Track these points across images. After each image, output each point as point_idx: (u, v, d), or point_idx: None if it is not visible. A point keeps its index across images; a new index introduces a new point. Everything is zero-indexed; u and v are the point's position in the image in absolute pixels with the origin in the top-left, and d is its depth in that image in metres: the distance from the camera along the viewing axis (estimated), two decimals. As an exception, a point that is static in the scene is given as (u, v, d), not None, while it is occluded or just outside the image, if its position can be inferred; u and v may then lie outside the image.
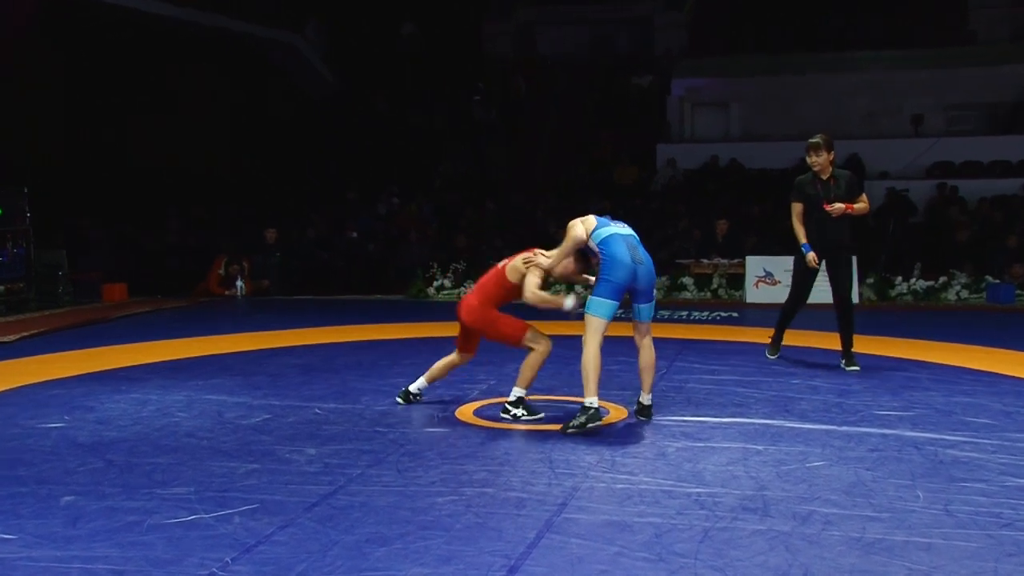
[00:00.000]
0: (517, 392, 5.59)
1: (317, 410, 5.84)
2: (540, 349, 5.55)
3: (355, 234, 15.84)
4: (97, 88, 16.41)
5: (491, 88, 21.24)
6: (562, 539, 3.52)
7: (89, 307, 12.36)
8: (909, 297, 12.64)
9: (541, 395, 6.19)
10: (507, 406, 5.60)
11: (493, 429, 5.29)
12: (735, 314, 11.33)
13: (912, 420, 5.43)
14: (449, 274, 14.10)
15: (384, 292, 14.18)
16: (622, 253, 5.25)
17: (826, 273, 7.46)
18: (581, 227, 5.41)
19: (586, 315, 5.25)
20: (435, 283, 13.98)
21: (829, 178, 7.30)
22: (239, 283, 13.81)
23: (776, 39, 19.98)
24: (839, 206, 7.17)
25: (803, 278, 7.51)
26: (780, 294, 12.54)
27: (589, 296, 5.30)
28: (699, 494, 4.05)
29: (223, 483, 4.26)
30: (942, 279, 12.70)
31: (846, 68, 18.99)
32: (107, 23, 15.76)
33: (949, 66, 18.43)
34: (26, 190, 12.15)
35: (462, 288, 13.87)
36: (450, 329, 9.89)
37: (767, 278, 12.70)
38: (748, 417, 5.52)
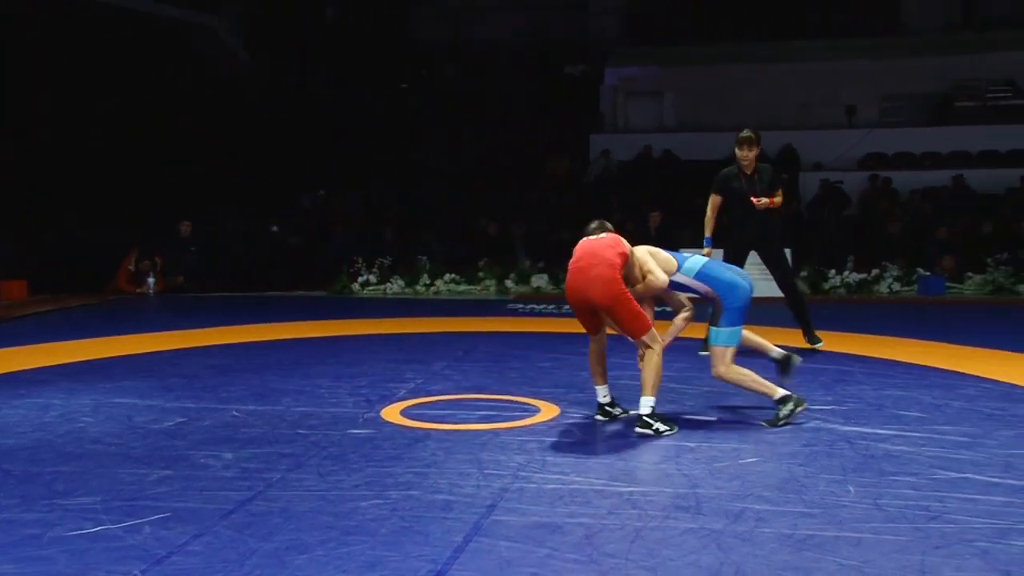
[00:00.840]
0: (649, 402, 5.13)
1: (235, 412, 5.75)
2: (658, 349, 5.18)
3: (276, 228, 15.64)
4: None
5: (420, 75, 21.12)
6: (491, 542, 3.52)
7: (-14, 306, 12.00)
8: (842, 290, 12.97)
9: (474, 394, 6.20)
10: (645, 420, 5.12)
11: (420, 430, 5.27)
12: (668, 308, 11.44)
13: (844, 414, 5.56)
14: (375, 269, 14.03)
15: (307, 288, 14.04)
16: (733, 276, 5.38)
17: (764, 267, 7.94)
18: (660, 270, 5.33)
19: (715, 348, 5.31)
20: (360, 279, 13.90)
21: (753, 172, 7.59)
22: (151, 279, 13.54)
23: (711, 28, 20.25)
24: (764, 200, 7.48)
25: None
26: (714, 288, 12.80)
27: (714, 329, 5.32)
28: (631, 493, 4.10)
29: (132, 491, 4.16)
30: (874, 272, 13.05)
31: (781, 58, 19.32)
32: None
33: (882, 57, 18.90)
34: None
35: (389, 284, 13.81)
36: (376, 326, 9.90)
37: (702, 271, 12.86)
38: (681, 414, 5.59)
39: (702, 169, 17.51)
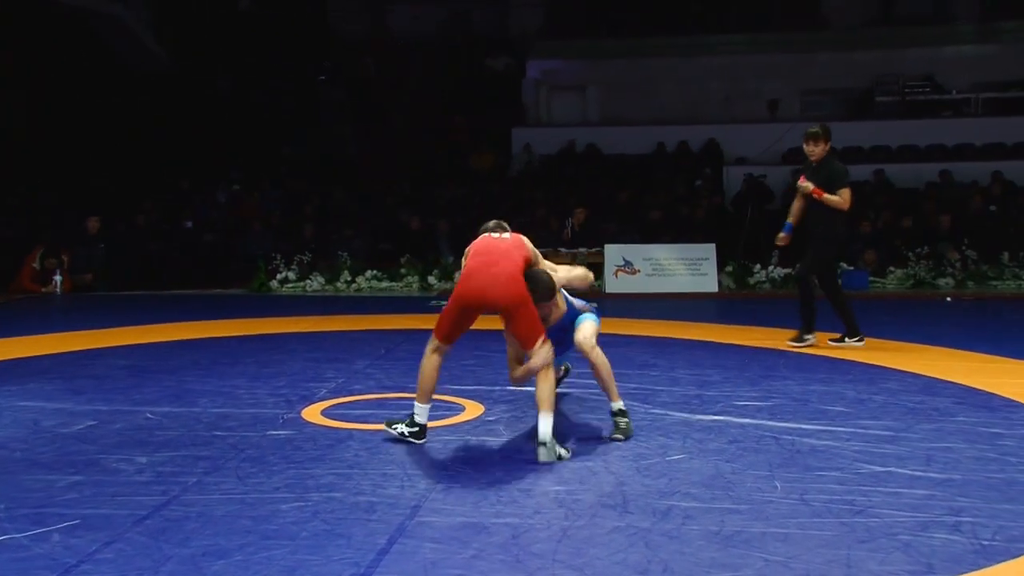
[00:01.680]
0: (547, 419, 4.64)
1: (148, 415, 5.62)
2: (547, 359, 4.84)
3: (191, 223, 15.35)
4: None
5: (339, 67, 20.91)
6: (415, 544, 3.50)
7: None
8: (767, 285, 13.22)
9: (397, 393, 6.17)
10: (550, 444, 4.61)
11: (342, 430, 5.22)
12: (594, 304, 11.53)
13: (770, 410, 5.67)
14: (294, 266, 13.87)
15: (224, 286, 13.82)
16: None
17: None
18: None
19: (591, 323, 5.53)
20: (279, 276, 13.73)
21: (818, 168, 7.99)
22: (57, 278, 13.16)
23: (634, 21, 20.45)
24: (808, 185, 7.91)
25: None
26: (640, 283, 12.98)
27: (587, 314, 5.60)
28: (558, 492, 4.11)
29: (39, 499, 4.04)
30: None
31: (704, 52, 19.61)
32: None
33: (804, 51, 19.34)
34: None
35: (308, 281, 13.65)
36: (295, 324, 9.77)
37: (626, 267, 13.03)
38: (606, 411, 5.63)
39: (626, 163, 17.86)
